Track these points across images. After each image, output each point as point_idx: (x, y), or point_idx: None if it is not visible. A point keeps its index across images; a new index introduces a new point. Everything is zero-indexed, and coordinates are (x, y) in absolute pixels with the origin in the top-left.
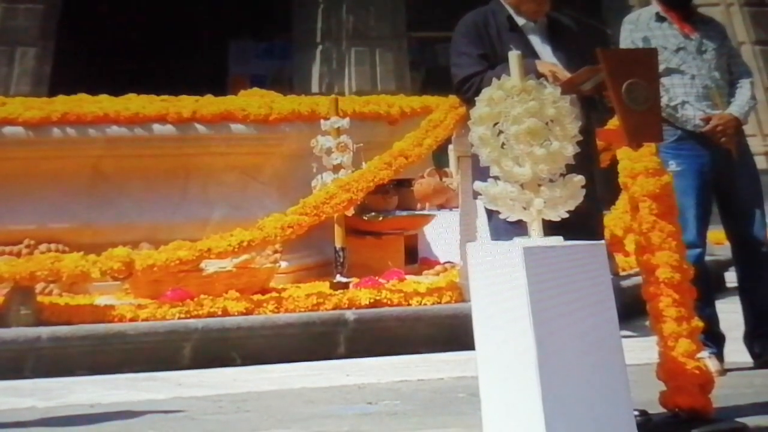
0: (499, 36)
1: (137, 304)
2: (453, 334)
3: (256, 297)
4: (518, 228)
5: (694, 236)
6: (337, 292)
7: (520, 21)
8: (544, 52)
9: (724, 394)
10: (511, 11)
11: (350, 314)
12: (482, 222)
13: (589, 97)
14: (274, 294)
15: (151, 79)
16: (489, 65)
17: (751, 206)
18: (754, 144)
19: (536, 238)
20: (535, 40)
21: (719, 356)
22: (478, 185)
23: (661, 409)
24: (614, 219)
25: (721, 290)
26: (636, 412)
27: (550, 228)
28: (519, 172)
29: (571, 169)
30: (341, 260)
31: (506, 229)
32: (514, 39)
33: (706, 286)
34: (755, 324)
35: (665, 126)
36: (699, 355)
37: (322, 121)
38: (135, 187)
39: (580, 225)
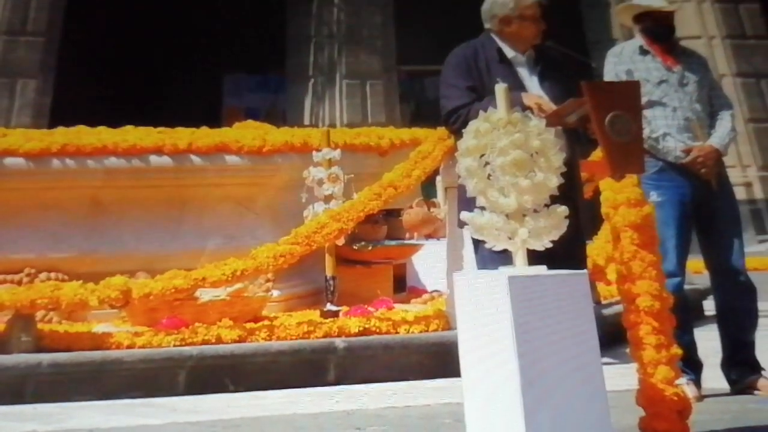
0: (488, 68)
1: (134, 332)
2: (440, 361)
3: (249, 325)
4: (504, 257)
5: (673, 265)
6: (327, 321)
7: (510, 53)
8: (532, 84)
9: (701, 419)
10: (501, 44)
11: (340, 342)
12: (469, 251)
13: (573, 129)
14: (266, 322)
15: (149, 112)
16: (477, 97)
17: (730, 236)
18: (734, 175)
19: (521, 267)
20: (523, 72)
21: (697, 383)
22: (465, 215)
23: None
24: (596, 248)
25: (700, 318)
26: None
27: (535, 257)
28: (504, 202)
29: (555, 199)
30: (331, 289)
31: (492, 258)
32: (503, 71)
33: (685, 314)
34: (732, 351)
35: (647, 157)
36: (677, 382)
37: (314, 152)
38: (132, 217)
39: (564, 254)
